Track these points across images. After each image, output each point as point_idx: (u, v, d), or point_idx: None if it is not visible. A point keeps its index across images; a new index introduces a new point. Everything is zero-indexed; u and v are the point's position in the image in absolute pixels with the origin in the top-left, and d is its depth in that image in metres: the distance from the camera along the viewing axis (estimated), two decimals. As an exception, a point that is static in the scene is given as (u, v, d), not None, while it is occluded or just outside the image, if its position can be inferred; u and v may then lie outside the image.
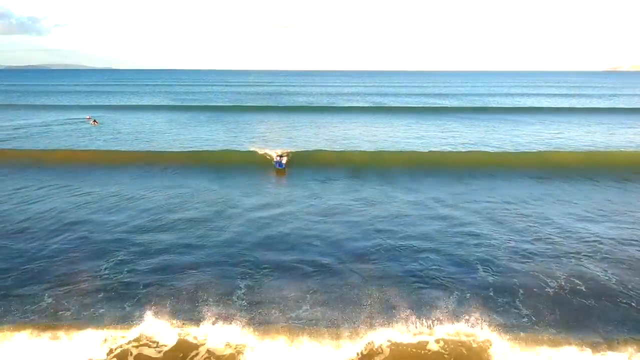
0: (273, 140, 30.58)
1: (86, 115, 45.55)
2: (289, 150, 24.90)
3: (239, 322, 8.86)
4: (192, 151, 26.29)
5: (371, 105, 59.74)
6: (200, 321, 8.95)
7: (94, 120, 41.60)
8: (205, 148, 27.65)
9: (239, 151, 26.22)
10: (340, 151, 26.37)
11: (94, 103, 60.74)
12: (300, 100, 68.23)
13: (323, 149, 27.38)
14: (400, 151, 26.62)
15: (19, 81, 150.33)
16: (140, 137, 32.24)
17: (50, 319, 9.17)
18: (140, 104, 60.53)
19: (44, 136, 33.04)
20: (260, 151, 25.26)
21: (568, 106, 58.25)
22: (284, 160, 23.32)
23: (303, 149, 26.65)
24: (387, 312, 9.34)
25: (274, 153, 24.59)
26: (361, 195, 18.43)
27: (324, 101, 66.72)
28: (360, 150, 26.74)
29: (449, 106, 57.89)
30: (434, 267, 11.71)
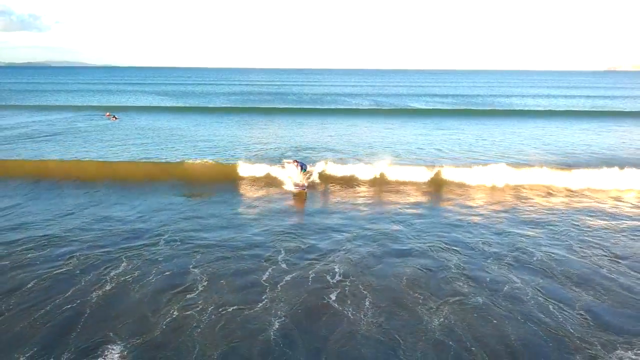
0: (294, 148, 29.34)
1: (104, 112, 47.25)
2: (309, 171, 21.64)
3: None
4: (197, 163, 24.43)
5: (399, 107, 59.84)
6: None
7: (114, 116, 43.32)
8: (229, 157, 26.25)
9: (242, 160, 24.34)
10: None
11: (105, 103, 61.71)
12: (329, 101, 69.59)
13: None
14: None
15: (22, 79, 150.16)
16: (160, 139, 33.28)
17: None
18: (151, 105, 61.48)
19: (72, 134, 34.73)
20: (276, 168, 22.40)
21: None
22: (305, 180, 20.43)
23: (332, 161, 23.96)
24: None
25: (291, 167, 21.28)
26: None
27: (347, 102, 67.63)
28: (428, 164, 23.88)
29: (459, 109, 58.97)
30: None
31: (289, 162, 21.59)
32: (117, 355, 8.86)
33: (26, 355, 8.85)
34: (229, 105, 60.25)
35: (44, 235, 14.64)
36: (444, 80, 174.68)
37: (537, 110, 54.73)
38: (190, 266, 12.50)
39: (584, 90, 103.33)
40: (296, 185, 19.94)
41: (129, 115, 46.38)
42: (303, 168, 20.81)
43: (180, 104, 61.74)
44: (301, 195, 19.36)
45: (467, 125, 40.87)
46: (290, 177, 20.80)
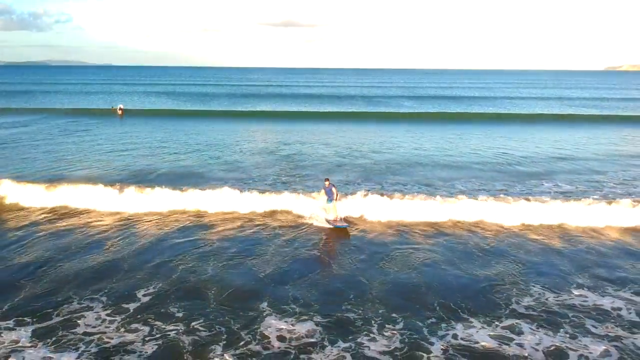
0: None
1: (112, 104, 47.47)
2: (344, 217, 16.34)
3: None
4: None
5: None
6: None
7: (120, 108, 43.37)
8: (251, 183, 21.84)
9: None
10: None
11: (113, 106, 59.78)
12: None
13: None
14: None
15: (24, 79, 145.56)
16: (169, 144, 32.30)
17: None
18: (158, 108, 57.87)
19: (87, 134, 35.99)
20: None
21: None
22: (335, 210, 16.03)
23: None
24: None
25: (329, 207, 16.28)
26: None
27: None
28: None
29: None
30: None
31: (326, 182, 16.57)
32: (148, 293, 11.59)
33: (77, 294, 11.40)
34: (228, 109, 57.50)
35: None
36: (440, 80, 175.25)
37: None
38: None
39: (579, 92, 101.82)
40: (327, 220, 15.92)
41: (132, 114, 45.60)
42: (330, 197, 16.17)
43: (181, 107, 59.84)
44: (345, 234, 15.33)
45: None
46: (312, 216, 16.52)
